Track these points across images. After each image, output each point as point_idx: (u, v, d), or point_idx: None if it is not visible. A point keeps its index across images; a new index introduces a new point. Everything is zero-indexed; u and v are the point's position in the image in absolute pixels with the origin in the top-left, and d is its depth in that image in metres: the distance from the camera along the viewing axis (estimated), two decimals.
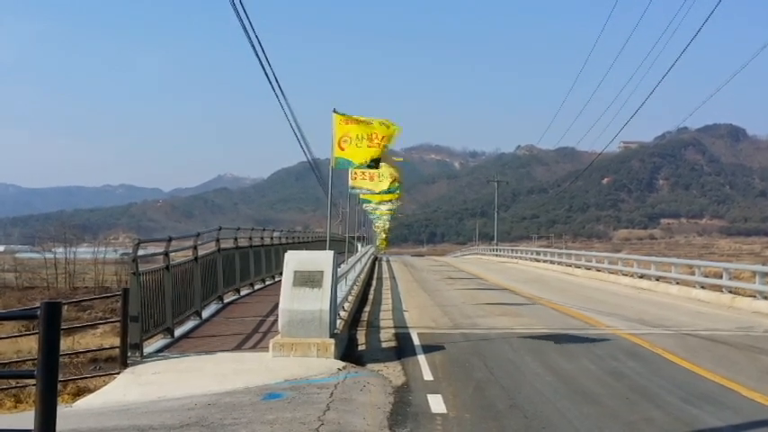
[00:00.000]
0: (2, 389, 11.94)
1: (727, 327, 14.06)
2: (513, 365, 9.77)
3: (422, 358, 10.26)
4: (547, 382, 8.63)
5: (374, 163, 11.36)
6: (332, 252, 10.50)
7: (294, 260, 10.17)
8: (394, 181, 15.68)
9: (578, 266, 32.84)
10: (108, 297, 17.66)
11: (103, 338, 23.19)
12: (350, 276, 17.17)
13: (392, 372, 9.38)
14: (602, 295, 21.45)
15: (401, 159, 12.62)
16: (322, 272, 10.05)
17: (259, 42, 10.74)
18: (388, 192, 15.96)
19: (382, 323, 14.64)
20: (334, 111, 11.33)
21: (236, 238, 18.43)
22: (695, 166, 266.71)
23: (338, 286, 12.03)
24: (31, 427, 3.29)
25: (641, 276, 25.39)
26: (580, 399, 7.79)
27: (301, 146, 15.90)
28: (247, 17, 10.11)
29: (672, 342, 11.81)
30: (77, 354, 15.49)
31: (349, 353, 10.82)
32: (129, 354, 9.31)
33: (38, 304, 3.46)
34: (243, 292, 18.00)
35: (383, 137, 11.18)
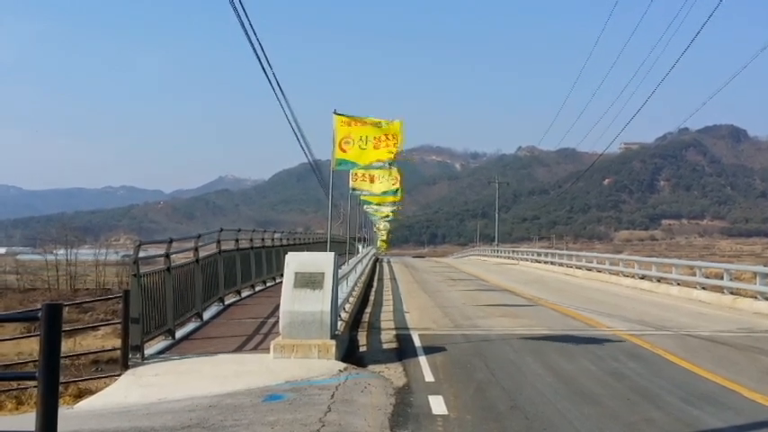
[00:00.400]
0: (3, 390, 11.95)
1: (728, 328, 14.06)
2: (514, 366, 9.78)
3: (423, 359, 10.27)
4: (548, 383, 8.63)
5: (387, 163, 11.38)
6: (333, 253, 10.51)
7: (295, 261, 10.18)
8: (395, 183, 15.70)
9: (579, 267, 32.85)
10: (109, 299, 17.66)
11: (105, 340, 23.21)
12: (351, 278, 17.17)
13: (393, 373, 9.38)
14: (602, 296, 21.45)
15: (409, 159, 12.62)
16: (323, 273, 10.06)
17: (259, 43, 10.76)
18: (389, 194, 15.98)
19: (383, 324, 14.64)
20: (335, 112, 11.35)
21: (236, 240, 18.45)
22: (696, 167, 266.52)
23: (339, 287, 12.05)
24: (33, 428, 3.29)
25: (642, 277, 25.39)
26: (581, 399, 7.80)
27: (302, 147, 15.90)
28: (247, 17, 10.12)
29: (673, 343, 11.81)
30: (79, 355, 15.50)
31: (350, 354, 10.83)
32: (130, 355, 9.32)
33: (39, 306, 3.47)
34: (244, 294, 18.01)
35: (392, 135, 11.20)
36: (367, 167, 11.87)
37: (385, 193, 15.67)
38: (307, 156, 18.25)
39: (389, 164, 11.55)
